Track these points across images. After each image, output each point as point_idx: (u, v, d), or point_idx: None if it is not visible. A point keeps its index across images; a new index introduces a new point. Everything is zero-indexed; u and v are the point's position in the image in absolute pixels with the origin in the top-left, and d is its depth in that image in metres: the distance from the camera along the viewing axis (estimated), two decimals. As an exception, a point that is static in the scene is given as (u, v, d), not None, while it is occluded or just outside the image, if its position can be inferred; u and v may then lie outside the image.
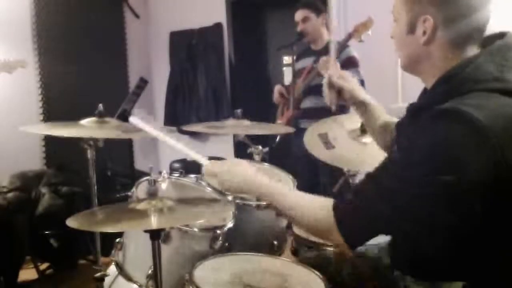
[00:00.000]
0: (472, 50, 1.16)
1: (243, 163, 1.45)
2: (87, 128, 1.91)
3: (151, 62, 5.27)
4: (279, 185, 1.39)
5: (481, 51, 1.15)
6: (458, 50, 1.16)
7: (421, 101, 1.24)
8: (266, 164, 2.30)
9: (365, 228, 1.14)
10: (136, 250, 1.76)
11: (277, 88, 3.34)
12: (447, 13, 1.15)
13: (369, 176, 1.18)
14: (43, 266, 3.43)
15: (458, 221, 1.04)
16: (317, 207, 1.24)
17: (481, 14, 1.14)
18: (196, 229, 1.71)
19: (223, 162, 1.47)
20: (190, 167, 4.07)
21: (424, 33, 1.17)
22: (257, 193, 1.38)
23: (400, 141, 1.20)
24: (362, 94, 1.67)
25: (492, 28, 1.20)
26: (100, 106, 1.93)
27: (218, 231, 1.75)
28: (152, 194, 1.41)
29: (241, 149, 2.49)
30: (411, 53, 1.23)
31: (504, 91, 1.09)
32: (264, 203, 1.96)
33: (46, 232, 3.32)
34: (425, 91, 1.27)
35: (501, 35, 1.18)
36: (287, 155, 3.23)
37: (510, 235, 1.08)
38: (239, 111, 2.21)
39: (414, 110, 1.23)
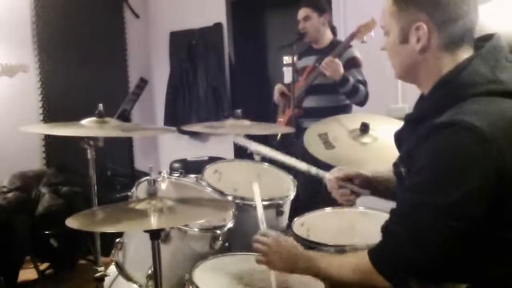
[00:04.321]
0: (465, 53, 1.17)
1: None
2: (87, 128, 1.90)
3: (151, 62, 5.27)
4: (318, 254, 1.34)
5: (473, 55, 1.15)
6: (452, 53, 1.17)
7: (419, 111, 1.24)
8: (266, 164, 2.30)
9: (399, 261, 1.12)
10: (136, 250, 1.76)
11: (277, 87, 3.34)
12: (438, 18, 1.15)
13: (390, 211, 1.19)
14: (43, 266, 3.43)
15: (462, 226, 1.05)
16: (353, 261, 1.22)
17: (470, 16, 1.15)
18: (196, 229, 1.71)
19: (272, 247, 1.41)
20: (190, 167, 4.08)
21: (418, 40, 1.17)
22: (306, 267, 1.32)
23: (403, 158, 1.21)
24: (365, 172, 1.60)
25: (492, 28, 1.20)
26: (100, 106, 1.93)
27: (218, 231, 1.75)
28: (152, 194, 1.41)
29: (241, 149, 2.49)
30: (407, 62, 1.23)
31: (501, 93, 1.10)
32: (266, 203, 1.97)
33: (46, 232, 3.32)
34: (421, 98, 1.27)
35: (489, 37, 1.19)
36: (288, 155, 3.23)
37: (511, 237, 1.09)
38: (239, 111, 2.21)
39: (412, 120, 1.24)
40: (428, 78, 1.21)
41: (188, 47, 4.91)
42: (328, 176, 1.64)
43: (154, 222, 1.34)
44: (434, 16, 1.15)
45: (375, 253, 1.17)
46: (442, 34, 1.16)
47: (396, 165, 1.23)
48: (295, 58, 3.19)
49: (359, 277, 1.18)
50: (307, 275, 1.32)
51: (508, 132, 1.05)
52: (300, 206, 2.12)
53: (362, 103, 3.02)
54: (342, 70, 2.89)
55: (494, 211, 1.05)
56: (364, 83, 3.02)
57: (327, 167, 2.00)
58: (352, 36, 2.99)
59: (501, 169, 1.03)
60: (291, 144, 3.03)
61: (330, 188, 1.63)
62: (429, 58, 1.18)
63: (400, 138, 1.31)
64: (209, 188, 2.00)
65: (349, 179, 1.59)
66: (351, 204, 1.62)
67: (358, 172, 1.60)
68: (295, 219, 1.99)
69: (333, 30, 3.27)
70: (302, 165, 1.82)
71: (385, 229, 1.18)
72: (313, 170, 1.73)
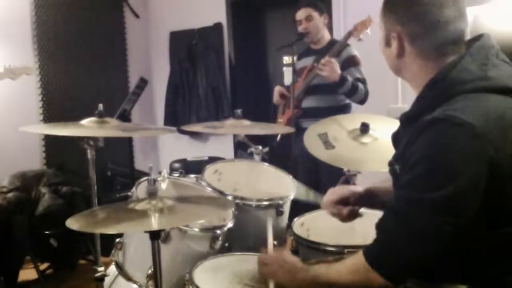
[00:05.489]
0: (451, 57, 1.18)
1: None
2: (87, 128, 1.91)
3: (151, 62, 5.27)
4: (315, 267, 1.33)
5: (463, 54, 1.16)
6: (435, 59, 1.18)
7: (412, 109, 1.25)
8: (266, 164, 2.30)
9: (396, 259, 1.12)
10: (136, 250, 1.76)
11: (277, 89, 3.34)
12: (412, 30, 1.19)
13: (385, 208, 1.19)
14: (43, 266, 3.43)
15: (460, 223, 1.05)
16: (349, 262, 1.22)
17: (454, 24, 1.16)
18: (196, 229, 1.71)
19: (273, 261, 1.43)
20: (190, 167, 4.08)
21: (396, 47, 1.22)
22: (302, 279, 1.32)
23: (399, 157, 1.21)
24: (358, 188, 1.59)
25: (492, 28, 1.21)
26: (100, 106, 1.93)
27: (218, 231, 1.75)
28: (152, 194, 1.41)
29: (241, 149, 2.49)
30: (391, 63, 1.28)
31: (490, 89, 1.11)
32: (266, 203, 1.98)
33: (46, 232, 3.32)
34: (416, 98, 1.28)
35: (478, 37, 1.20)
36: (288, 155, 3.23)
37: (508, 235, 1.09)
38: (239, 111, 2.21)
39: (405, 119, 1.25)
40: (414, 80, 1.24)
41: (188, 47, 4.91)
42: (323, 202, 1.61)
43: (154, 222, 1.34)
44: (408, 29, 1.19)
45: (371, 252, 1.17)
46: (416, 45, 1.19)
47: (391, 163, 1.24)
48: (294, 59, 3.19)
49: (357, 278, 1.18)
50: (307, 287, 1.30)
51: (499, 126, 1.06)
52: (300, 206, 2.12)
53: (362, 101, 3.02)
54: (339, 70, 2.89)
55: (491, 206, 1.05)
56: (363, 81, 3.02)
57: (327, 167, 2.01)
58: (349, 34, 3.00)
59: (494, 164, 1.04)
60: (291, 144, 3.04)
61: (329, 213, 1.61)
62: (407, 63, 1.23)
63: (396, 139, 1.31)
64: (209, 188, 2.00)
65: (344, 199, 1.57)
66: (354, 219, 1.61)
67: (351, 190, 1.57)
68: (295, 219, 1.99)
69: (330, 30, 3.28)
70: (301, 191, 1.81)
71: (381, 226, 1.18)
72: (311, 195, 1.73)
